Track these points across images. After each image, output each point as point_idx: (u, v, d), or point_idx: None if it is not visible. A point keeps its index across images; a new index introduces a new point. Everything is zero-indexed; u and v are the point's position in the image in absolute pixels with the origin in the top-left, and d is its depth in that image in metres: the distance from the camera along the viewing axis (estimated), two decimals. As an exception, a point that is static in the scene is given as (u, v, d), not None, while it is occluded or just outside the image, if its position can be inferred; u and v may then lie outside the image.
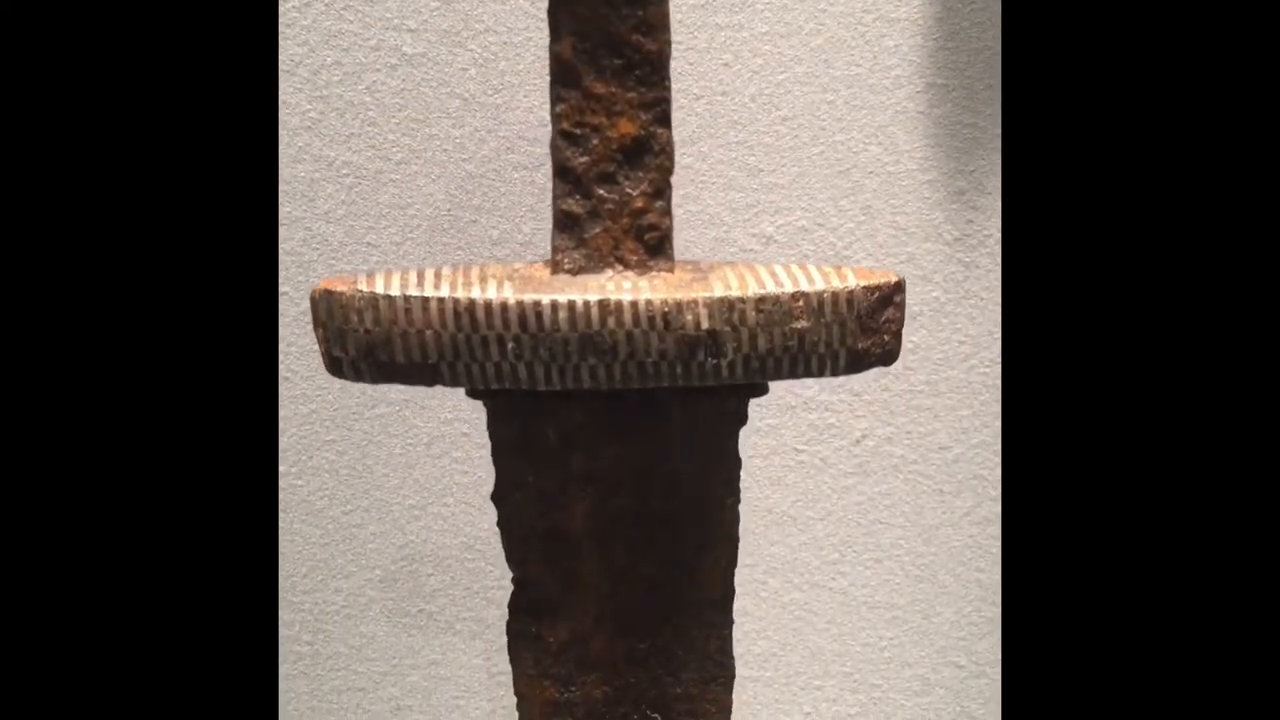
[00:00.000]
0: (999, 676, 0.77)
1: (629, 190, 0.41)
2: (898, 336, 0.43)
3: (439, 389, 0.70)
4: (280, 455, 0.71)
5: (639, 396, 0.43)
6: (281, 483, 0.72)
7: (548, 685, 0.48)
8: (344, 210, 0.67)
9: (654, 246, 0.42)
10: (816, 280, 0.41)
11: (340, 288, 0.41)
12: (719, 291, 0.40)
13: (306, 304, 0.68)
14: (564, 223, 0.42)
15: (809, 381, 0.71)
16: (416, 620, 0.75)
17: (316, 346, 0.70)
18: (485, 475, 0.72)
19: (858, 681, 0.77)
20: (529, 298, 0.40)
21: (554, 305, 0.40)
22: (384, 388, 0.70)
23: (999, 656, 0.76)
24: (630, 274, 0.42)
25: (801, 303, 0.41)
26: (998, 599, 0.75)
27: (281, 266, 0.67)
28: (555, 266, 0.42)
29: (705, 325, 0.40)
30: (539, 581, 0.46)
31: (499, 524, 0.46)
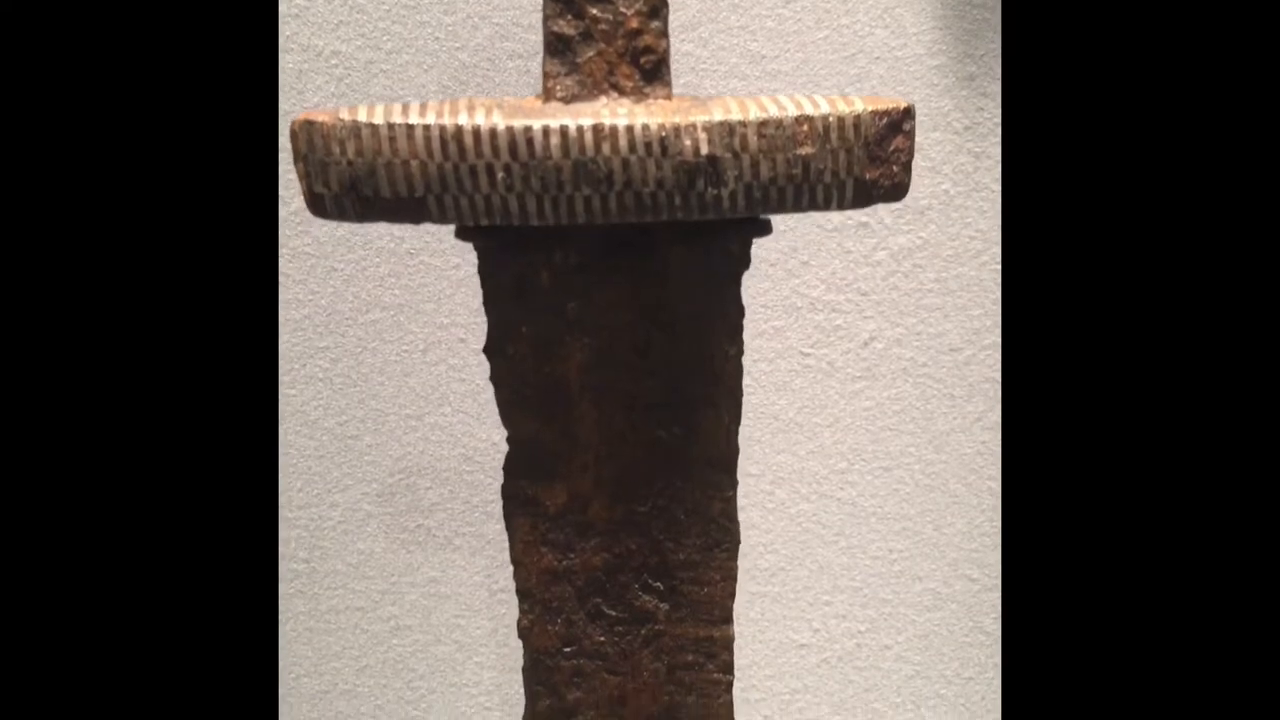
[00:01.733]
0: (1013, 590, 0.75)
1: (623, 9, 0.39)
2: (907, 168, 0.41)
3: (434, 286, 0.69)
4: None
5: (637, 236, 0.41)
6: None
7: (545, 552, 0.46)
8: (334, 102, 0.65)
9: (650, 71, 0.40)
10: (821, 105, 0.39)
11: (321, 118, 0.39)
12: (719, 116, 0.38)
13: (299, 202, 0.66)
14: (555, 46, 0.40)
15: (815, 281, 0.69)
16: (415, 536, 0.74)
17: (311, 249, 0.68)
18: (483, 383, 0.70)
19: (867, 596, 0.75)
20: (519, 123, 0.38)
21: (545, 131, 0.38)
22: (377, 289, 0.69)
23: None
24: (626, 100, 0.40)
25: (806, 127, 0.39)
26: (1011, 508, 0.73)
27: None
28: (547, 95, 0.40)
29: (705, 151, 0.38)
30: (534, 440, 0.44)
31: (492, 378, 0.44)
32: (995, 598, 0.75)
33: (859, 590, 0.75)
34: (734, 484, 0.46)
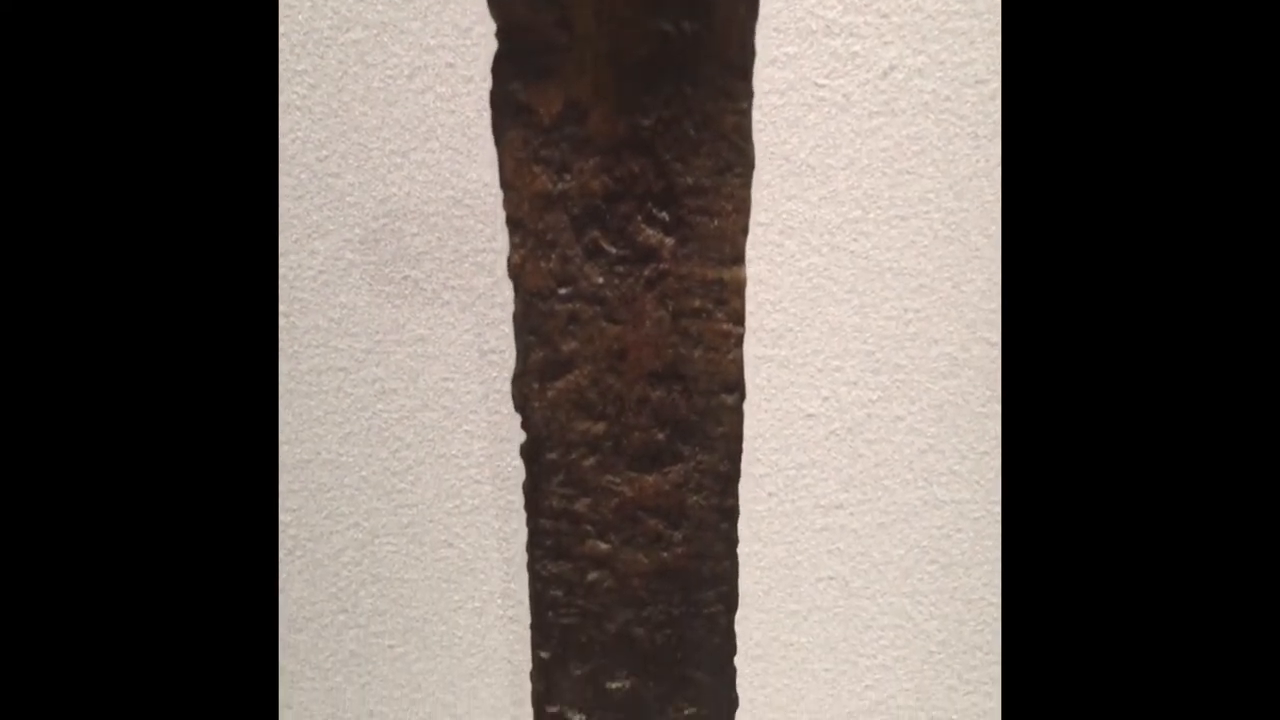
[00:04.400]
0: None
1: None
2: None
3: (420, 1, 0.63)
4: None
5: None
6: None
7: (539, 172, 0.41)
8: None
9: None
10: None
11: None
12: None
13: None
14: None
15: (831, 1, 0.64)
16: (401, 288, 0.69)
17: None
18: (474, 115, 0.65)
19: (880, 361, 0.71)
20: None
21: None
22: (357, 4, 0.63)
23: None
24: None
25: None
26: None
27: None
28: None
29: None
30: (525, 29, 0.39)
31: (479, -44, 0.39)
32: (1015, 363, 0.71)
33: (871, 355, 0.71)
34: (749, 94, 0.41)
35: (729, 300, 0.43)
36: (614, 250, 0.42)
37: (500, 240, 0.68)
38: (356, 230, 0.68)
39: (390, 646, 0.78)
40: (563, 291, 0.43)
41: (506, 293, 0.68)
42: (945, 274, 0.69)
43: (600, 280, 0.43)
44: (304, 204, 0.67)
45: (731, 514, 0.46)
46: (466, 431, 0.72)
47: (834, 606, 0.77)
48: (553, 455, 0.45)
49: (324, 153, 0.66)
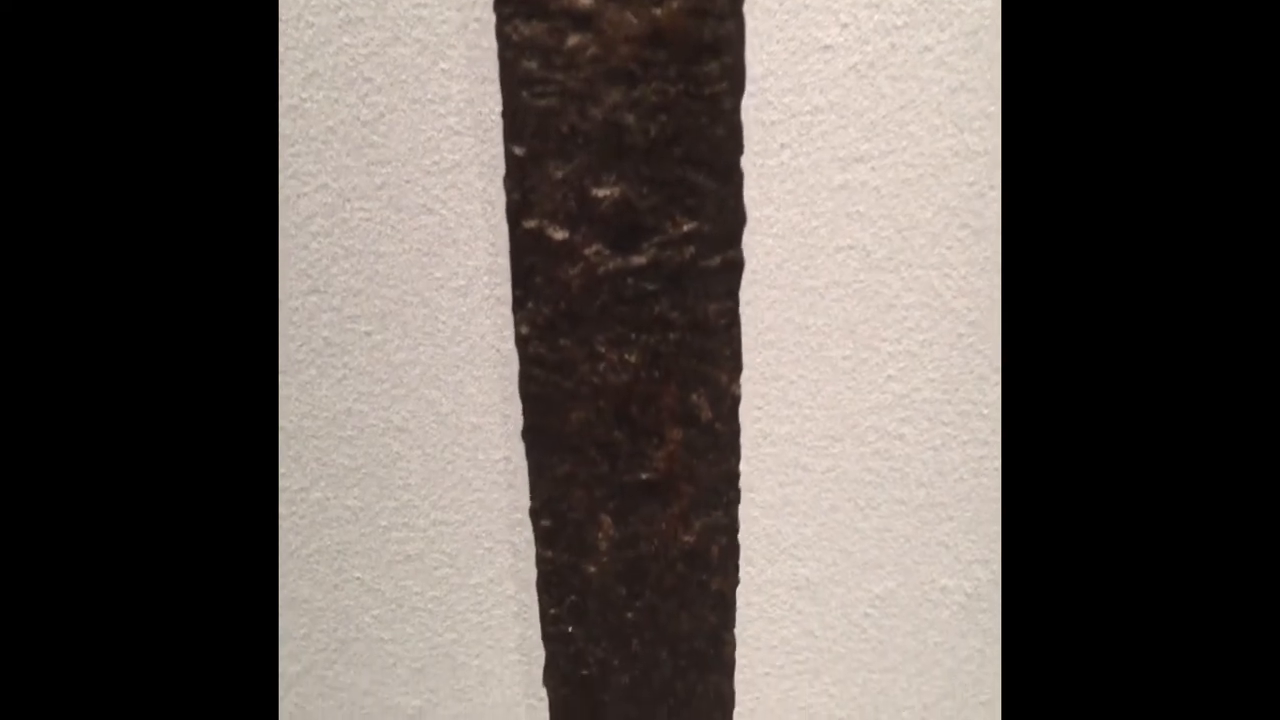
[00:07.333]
0: None
1: None
2: None
3: None
4: None
5: None
6: None
7: None
8: None
9: None
10: None
11: None
12: None
13: None
14: None
15: None
16: (363, -110, 0.61)
17: None
18: None
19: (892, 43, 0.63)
20: None
21: None
22: None
23: None
24: None
25: None
26: None
27: None
28: None
29: None
30: None
31: None
32: None
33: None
34: None
35: None
36: None
37: None
38: None
39: (367, 334, 0.72)
40: None
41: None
42: None
43: None
44: None
45: (739, -47, 0.39)
46: (443, 70, 0.65)
47: (854, 281, 0.70)
48: (521, -127, 0.38)
49: None
